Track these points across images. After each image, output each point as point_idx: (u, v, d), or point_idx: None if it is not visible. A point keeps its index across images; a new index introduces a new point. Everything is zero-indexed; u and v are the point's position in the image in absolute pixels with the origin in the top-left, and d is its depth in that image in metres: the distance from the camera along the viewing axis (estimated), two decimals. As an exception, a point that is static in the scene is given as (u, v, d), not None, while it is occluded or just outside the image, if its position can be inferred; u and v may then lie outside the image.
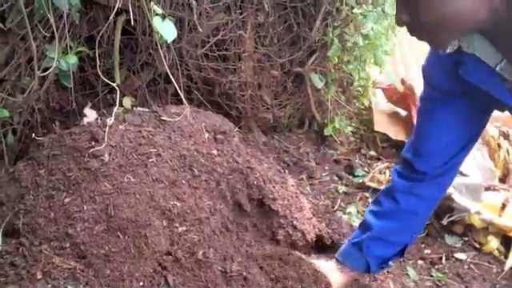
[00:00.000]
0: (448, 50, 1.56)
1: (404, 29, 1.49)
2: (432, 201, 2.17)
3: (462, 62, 1.66)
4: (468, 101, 1.86)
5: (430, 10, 1.35)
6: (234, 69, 3.12)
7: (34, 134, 2.19)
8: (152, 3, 2.08)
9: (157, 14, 2.10)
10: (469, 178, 3.21)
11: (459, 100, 1.87)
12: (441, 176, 2.06)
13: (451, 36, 1.47)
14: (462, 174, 3.27)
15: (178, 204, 2.04)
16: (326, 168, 3.52)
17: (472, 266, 2.89)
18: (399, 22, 1.43)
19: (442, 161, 2.01)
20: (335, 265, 2.24)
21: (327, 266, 2.24)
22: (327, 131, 3.66)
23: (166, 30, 2.07)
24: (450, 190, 3.04)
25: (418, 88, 3.67)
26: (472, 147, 2.03)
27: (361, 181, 3.45)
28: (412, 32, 1.45)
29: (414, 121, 3.63)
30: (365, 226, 2.18)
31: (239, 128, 3.00)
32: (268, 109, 3.43)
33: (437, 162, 2.02)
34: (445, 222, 3.06)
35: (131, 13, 2.17)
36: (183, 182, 2.10)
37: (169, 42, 2.11)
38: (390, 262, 2.25)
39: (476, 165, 3.43)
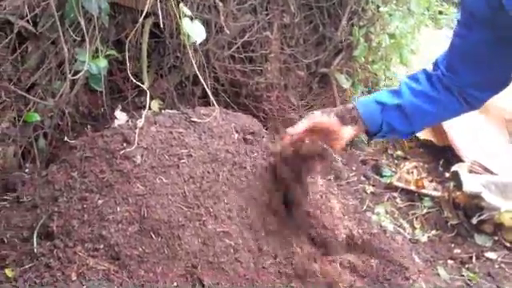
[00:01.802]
0: None
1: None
2: (450, 111, 2.12)
3: None
4: (501, 37, 1.81)
5: None
6: (261, 70, 3.12)
7: (65, 137, 2.21)
8: (181, 5, 2.09)
9: (185, 16, 2.11)
10: (498, 177, 3.18)
11: (492, 32, 1.82)
12: (465, 98, 2.03)
13: None
14: (491, 172, 3.25)
15: (210, 204, 2.04)
16: (353, 168, 3.50)
17: (503, 265, 2.86)
18: None
19: (472, 86, 1.99)
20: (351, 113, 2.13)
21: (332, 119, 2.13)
22: (353, 131, 3.64)
23: (195, 31, 2.08)
24: (480, 188, 3.02)
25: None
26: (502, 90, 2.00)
27: (388, 181, 3.43)
28: None
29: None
30: (396, 93, 2.10)
31: (266, 129, 3.00)
32: (294, 110, 3.42)
33: (465, 82, 1.98)
34: (474, 221, 3.04)
35: (161, 15, 2.18)
36: (215, 182, 2.10)
37: (198, 42, 2.11)
38: (390, 135, 2.20)
39: (505, 162, 3.40)
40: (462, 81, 1.98)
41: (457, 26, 1.98)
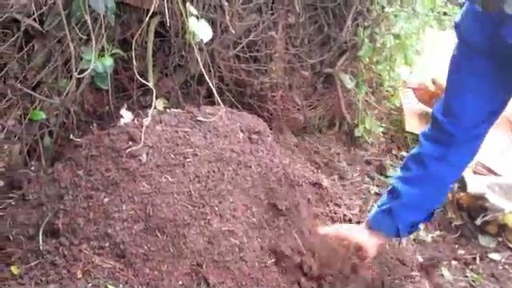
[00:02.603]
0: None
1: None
2: (461, 166, 2.18)
3: (503, 22, 1.64)
4: (500, 64, 1.84)
5: None
6: (265, 70, 3.12)
7: (71, 136, 2.22)
8: (188, 4, 2.09)
9: (192, 15, 2.11)
10: (502, 178, 3.18)
11: (491, 61, 1.85)
12: (469, 141, 2.07)
13: None
14: (495, 173, 3.24)
15: (215, 203, 2.05)
16: (358, 169, 3.49)
17: (507, 266, 2.86)
18: None
19: (470, 123, 2.00)
20: (366, 230, 2.25)
21: (359, 232, 2.26)
22: (358, 132, 3.65)
23: (202, 30, 2.09)
24: (484, 189, 3.02)
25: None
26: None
27: (392, 181, 3.43)
28: None
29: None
30: (394, 193, 2.19)
31: (270, 129, 3.00)
32: (299, 110, 3.42)
33: (466, 124, 2.01)
34: (478, 222, 3.03)
35: (166, 15, 2.18)
36: (220, 181, 2.11)
37: (204, 41, 2.12)
38: (420, 226, 2.29)
39: (509, 164, 3.40)
40: (461, 120, 2.01)
41: (452, 63, 2.01)
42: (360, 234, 2.23)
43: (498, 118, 2.05)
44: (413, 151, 2.21)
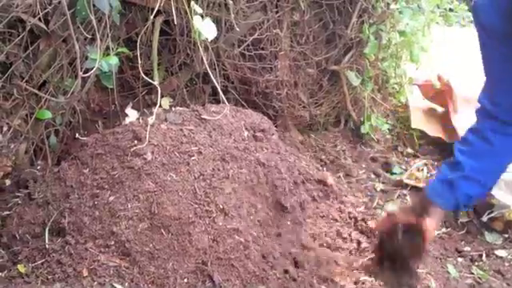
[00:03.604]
0: None
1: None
2: None
3: None
4: None
5: None
6: (271, 68, 3.13)
7: (76, 135, 2.23)
8: (192, 3, 2.10)
9: (196, 13, 2.12)
10: (508, 174, 3.16)
11: (505, 47, 1.81)
12: None
13: None
14: (501, 169, 3.23)
15: (220, 201, 2.05)
16: (363, 166, 3.49)
17: (513, 263, 2.85)
18: None
19: None
20: (426, 204, 2.17)
21: (419, 206, 2.19)
22: (363, 129, 3.64)
23: (207, 28, 2.09)
24: (490, 186, 3.01)
25: (455, 84, 3.64)
26: None
27: (398, 178, 3.42)
28: None
29: (451, 117, 3.61)
30: (456, 165, 2.11)
31: (275, 127, 3.00)
32: (304, 107, 3.42)
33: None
34: (484, 218, 3.03)
35: (173, 13, 2.18)
36: (225, 179, 2.11)
37: (209, 40, 2.12)
38: (473, 200, 2.18)
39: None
40: (503, 109, 1.96)
41: (482, 56, 1.96)
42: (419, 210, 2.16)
43: None
44: (472, 126, 2.12)
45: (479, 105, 2.07)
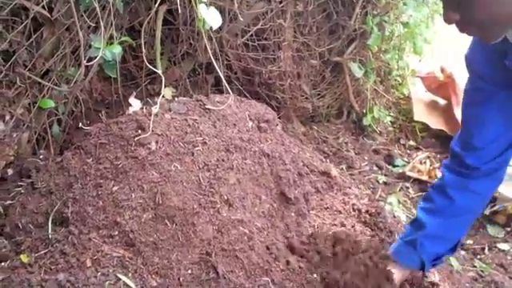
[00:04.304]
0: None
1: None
2: (487, 195, 2.13)
3: (509, 52, 1.63)
4: None
5: (485, 10, 1.33)
6: (274, 58, 3.11)
7: (80, 124, 2.21)
8: (197, -9, 2.08)
9: (201, 2, 2.10)
10: (511, 168, 3.16)
11: (505, 92, 1.82)
12: (494, 171, 2.01)
13: (503, 31, 1.44)
14: (504, 162, 3.22)
15: (225, 192, 2.04)
16: (366, 158, 3.49)
17: (515, 256, 2.85)
18: (448, 21, 1.41)
19: (491, 155, 1.95)
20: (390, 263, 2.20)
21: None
22: (366, 121, 3.64)
23: (212, 17, 2.07)
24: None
25: (458, 76, 3.62)
26: None
27: (401, 171, 3.43)
28: (462, 30, 1.43)
29: (454, 109, 3.60)
30: (417, 224, 2.14)
31: (278, 118, 2.99)
32: (307, 98, 3.41)
33: (487, 157, 1.96)
34: (487, 212, 3.03)
35: (177, 2, 2.17)
36: (229, 170, 2.10)
37: (214, 28, 2.10)
38: (443, 258, 2.23)
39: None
40: (482, 153, 1.96)
41: (466, 96, 1.97)
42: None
43: None
44: (436, 183, 2.18)
45: (445, 160, 2.11)
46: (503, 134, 1.92)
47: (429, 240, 2.10)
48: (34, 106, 2.20)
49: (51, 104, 2.22)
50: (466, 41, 1.97)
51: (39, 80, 2.17)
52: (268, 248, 2.08)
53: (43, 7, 2.05)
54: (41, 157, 2.24)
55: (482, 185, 2.03)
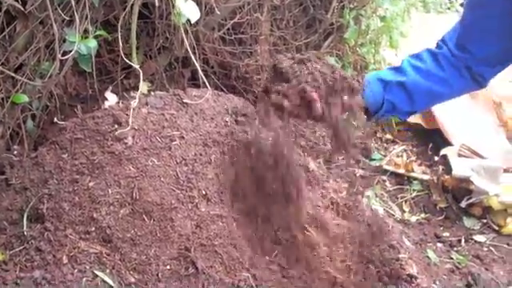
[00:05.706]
0: None
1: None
2: (465, 90, 2.07)
3: None
4: None
5: None
6: (251, 52, 3.10)
7: (55, 119, 2.18)
8: (175, -16, 2.06)
9: (178, -5, 2.08)
10: (487, 161, 3.20)
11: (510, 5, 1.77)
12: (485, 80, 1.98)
13: None
14: (480, 155, 3.26)
15: (203, 187, 2.02)
16: (342, 152, 3.48)
17: (491, 248, 2.89)
18: None
19: (491, 64, 1.93)
20: None
21: None
22: (343, 115, 3.63)
23: (189, 10, 2.06)
24: (469, 172, 3.03)
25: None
26: None
27: (378, 164, 3.44)
28: None
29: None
30: (400, 72, 2.01)
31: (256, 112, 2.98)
32: (284, 93, 3.40)
33: (485, 65, 1.93)
34: (463, 204, 3.07)
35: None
36: (207, 164, 2.08)
37: (192, 21, 2.08)
38: (389, 116, 2.16)
39: (494, 147, 3.42)
40: (473, 57, 1.91)
41: (467, 2, 1.94)
42: None
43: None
44: (431, 48, 2.03)
45: (441, 43, 2.01)
46: (497, 47, 1.88)
47: (401, 91, 1.99)
48: (7, 101, 2.15)
49: (25, 99, 2.18)
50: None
51: (12, 74, 2.12)
52: (248, 243, 2.07)
53: (16, 0, 2.01)
54: (15, 152, 2.20)
55: (457, 80, 1.98)
